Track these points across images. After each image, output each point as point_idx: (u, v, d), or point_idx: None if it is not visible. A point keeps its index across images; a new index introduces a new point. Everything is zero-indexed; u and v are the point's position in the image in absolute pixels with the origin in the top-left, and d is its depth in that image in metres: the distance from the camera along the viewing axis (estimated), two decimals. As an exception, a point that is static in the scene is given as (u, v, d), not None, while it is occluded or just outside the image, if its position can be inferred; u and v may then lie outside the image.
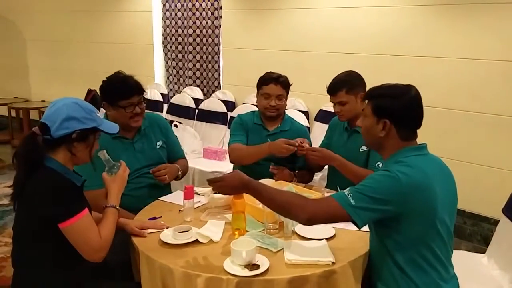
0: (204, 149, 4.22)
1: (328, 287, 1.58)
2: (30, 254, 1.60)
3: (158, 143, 2.45)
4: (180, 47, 5.26)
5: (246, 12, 4.60)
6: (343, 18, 3.92)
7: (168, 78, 5.52)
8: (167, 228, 1.88)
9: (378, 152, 1.72)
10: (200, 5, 4.95)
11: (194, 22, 5.04)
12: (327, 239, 1.79)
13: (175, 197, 2.28)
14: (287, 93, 2.60)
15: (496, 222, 2.59)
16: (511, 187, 2.53)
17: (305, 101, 4.23)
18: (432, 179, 1.54)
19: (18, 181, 1.57)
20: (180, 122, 4.57)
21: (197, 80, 5.16)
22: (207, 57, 5.05)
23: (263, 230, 1.88)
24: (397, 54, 3.66)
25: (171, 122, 4.41)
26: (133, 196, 2.17)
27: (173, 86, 5.45)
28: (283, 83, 2.54)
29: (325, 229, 1.85)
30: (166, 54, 5.44)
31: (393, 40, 3.67)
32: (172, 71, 5.43)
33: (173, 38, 5.30)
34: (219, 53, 4.95)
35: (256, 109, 2.75)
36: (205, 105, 4.73)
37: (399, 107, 1.59)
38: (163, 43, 5.43)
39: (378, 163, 2.21)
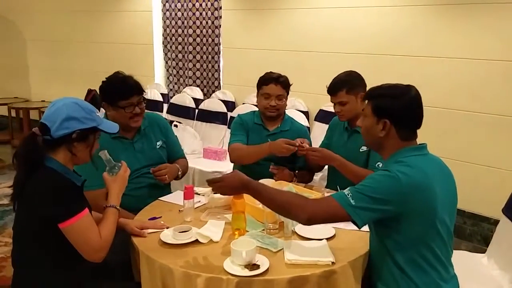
0: (204, 149, 4.22)
1: (328, 287, 1.58)
2: (30, 254, 1.60)
3: (158, 143, 2.44)
4: (180, 47, 5.26)
5: (246, 12, 4.60)
6: (343, 18, 3.92)
7: (168, 78, 5.53)
8: (167, 228, 1.88)
9: (378, 152, 1.72)
10: (200, 5, 4.95)
11: (194, 22, 5.04)
12: (327, 239, 1.79)
13: (175, 197, 2.28)
14: (287, 93, 2.60)
15: (496, 222, 2.59)
16: (511, 187, 2.53)
17: (305, 101, 4.23)
18: (432, 179, 1.54)
19: (18, 181, 1.57)
20: (180, 122, 4.57)
21: (197, 80, 5.16)
22: (207, 57, 5.05)
23: (263, 230, 1.88)
24: (397, 54, 3.66)
25: (171, 122, 4.41)
26: (133, 196, 2.17)
27: (173, 86, 5.45)
28: (283, 83, 2.54)
29: (325, 229, 1.85)
30: (166, 54, 5.44)
31: (393, 40, 3.67)
32: (172, 71, 5.43)
33: (173, 38, 5.30)
34: (219, 53, 4.95)
35: (256, 109, 2.75)
36: (205, 105, 4.73)
37: (399, 107, 1.59)
38: (163, 43, 5.43)
39: (378, 163, 2.21)
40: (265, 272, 1.54)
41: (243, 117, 2.70)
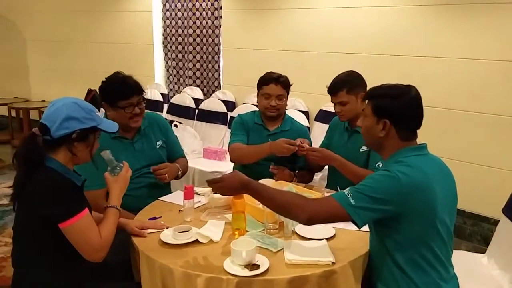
0: (204, 149, 4.22)
1: (328, 287, 1.58)
2: (30, 254, 1.60)
3: (158, 143, 2.44)
4: (180, 47, 5.26)
5: (246, 12, 4.60)
6: (343, 18, 3.92)
7: (168, 78, 5.53)
8: (167, 228, 1.88)
9: (378, 152, 1.72)
10: (200, 5, 4.95)
11: (194, 22, 5.04)
12: (327, 239, 1.78)
13: (175, 197, 2.28)
14: (288, 93, 2.60)
15: (496, 222, 2.59)
16: (511, 187, 2.53)
17: (305, 101, 4.23)
18: (432, 179, 1.54)
19: (18, 181, 1.57)
20: (180, 122, 4.58)
21: (197, 80, 5.16)
22: (207, 57, 5.05)
23: (263, 230, 1.88)
24: (397, 54, 3.66)
25: (171, 122, 4.41)
26: (133, 196, 2.17)
27: (173, 86, 5.45)
28: (283, 83, 2.54)
29: (325, 229, 1.85)
30: (166, 54, 5.44)
31: (393, 40, 3.67)
32: (172, 71, 5.43)
33: (173, 38, 5.30)
34: (219, 53, 4.95)
35: (257, 109, 2.75)
36: (205, 105, 4.73)
37: (399, 107, 1.60)
38: (163, 43, 5.43)
39: (378, 163, 2.21)
40: (265, 272, 1.54)
41: (243, 117, 2.70)
